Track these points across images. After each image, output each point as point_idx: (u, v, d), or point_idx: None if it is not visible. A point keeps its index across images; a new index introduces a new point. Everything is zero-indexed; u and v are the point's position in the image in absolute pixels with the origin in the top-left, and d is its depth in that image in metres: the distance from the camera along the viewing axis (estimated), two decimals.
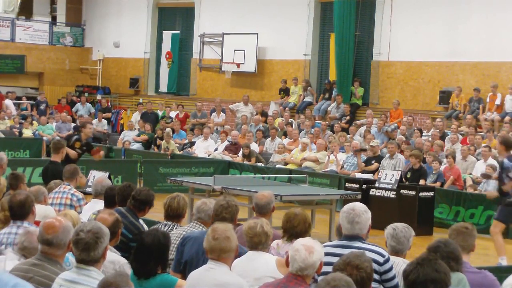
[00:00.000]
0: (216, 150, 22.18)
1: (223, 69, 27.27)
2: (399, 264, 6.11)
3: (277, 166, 20.10)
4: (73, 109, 28.47)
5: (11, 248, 6.27)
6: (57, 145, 12.40)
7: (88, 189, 11.05)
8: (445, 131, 20.19)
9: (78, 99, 29.52)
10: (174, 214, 7.64)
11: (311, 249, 5.20)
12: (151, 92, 30.37)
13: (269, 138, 22.39)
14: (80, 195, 9.66)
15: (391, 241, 6.32)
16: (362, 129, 21.47)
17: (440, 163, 17.54)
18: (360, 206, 6.07)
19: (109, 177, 10.45)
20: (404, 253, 6.38)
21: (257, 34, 26.06)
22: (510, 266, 11.29)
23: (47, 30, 31.96)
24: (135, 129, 25.20)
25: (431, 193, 15.66)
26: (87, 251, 5.06)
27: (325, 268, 5.80)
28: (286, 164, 20.29)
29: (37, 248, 5.84)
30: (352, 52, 24.07)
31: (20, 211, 6.78)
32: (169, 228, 7.52)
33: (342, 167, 19.09)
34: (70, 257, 5.70)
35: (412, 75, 23.22)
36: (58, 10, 32.67)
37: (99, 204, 8.66)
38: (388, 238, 6.36)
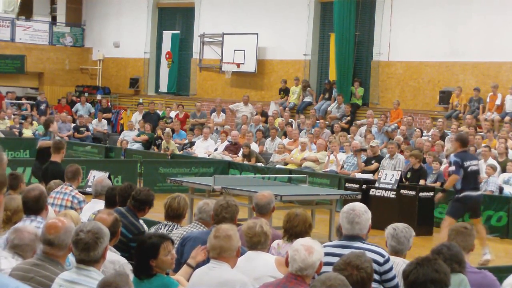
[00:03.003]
0: (216, 150, 22.18)
1: (223, 69, 27.27)
2: (399, 264, 6.11)
3: (277, 166, 20.10)
4: (73, 109, 28.47)
5: (3, 246, 6.26)
6: (57, 145, 12.41)
7: (88, 189, 11.04)
8: (445, 131, 20.19)
9: (78, 99, 29.52)
10: (174, 215, 7.64)
11: (310, 249, 5.20)
12: (151, 92, 30.37)
13: (269, 138, 22.39)
14: (82, 197, 9.66)
15: (392, 241, 6.33)
16: (363, 129, 21.48)
17: (441, 163, 17.54)
18: (360, 206, 6.07)
19: (109, 177, 10.43)
20: (404, 253, 6.39)
21: (257, 34, 26.06)
22: (510, 266, 11.31)
23: (47, 30, 31.97)
24: (135, 129, 25.20)
25: (431, 193, 15.65)
26: (86, 251, 5.06)
27: (325, 268, 5.79)
28: (286, 164, 20.29)
29: (29, 245, 5.84)
30: (352, 52, 24.08)
31: (35, 206, 6.83)
32: (170, 228, 7.52)
33: (342, 167, 19.09)
34: (70, 257, 5.70)
35: (412, 75, 23.22)
36: (58, 10, 32.68)
37: (99, 204, 8.66)
38: (388, 238, 6.36)
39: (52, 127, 15.02)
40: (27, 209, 6.86)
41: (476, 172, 12.76)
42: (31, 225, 6.32)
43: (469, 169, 12.58)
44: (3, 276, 2.47)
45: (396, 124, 21.45)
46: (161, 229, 7.55)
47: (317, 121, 22.93)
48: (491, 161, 17.17)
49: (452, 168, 12.54)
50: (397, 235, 6.31)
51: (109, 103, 29.48)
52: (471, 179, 12.62)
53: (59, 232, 5.40)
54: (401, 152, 18.60)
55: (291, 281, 5.18)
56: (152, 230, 7.61)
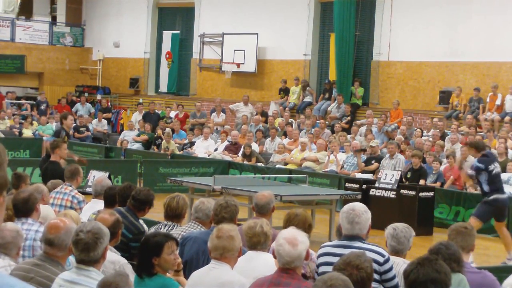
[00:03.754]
0: (216, 150, 22.18)
1: (223, 69, 27.27)
2: (399, 264, 6.11)
3: (277, 166, 20.10)
4: (73, 109, 28.45)
5: None
6: (52, 145, 12.43)
7: (88, 189, 11.05)
8: (445, 131, 20.19)
9: (78, 99, 29.53)
10: (173, 214, 7.64)
11: (294, 242, 5.19)
12: (151, 92, 30.37)
13: (269, 138, 22.38)
14: (81, 197, 9.66)
15: (391, 241, 6.32)
16: (363, 129, 21.48)
17: (441, 163, 17.55)
18: (360, 206, 6.06)
19: (109, 177, 10.44)
20: (404, 253, 6.38)
21: (257, 34, 26.06)
22: (510, 266, 11.31)
23: (47, 30, 31.97)
24: (135, 129, 25.20)
25: (431, 193, 15.66)
26: (86, 252, 5.06)
27: (326, 268, 5.80)
28: (286, 164, 20.29)
29: (12, 242, 5.84)
30: (352, 52, 24.07)
31: (24, 208, 6.82)
32: (169, 228, 7.51)
33: (342, 167, 19.09)
34: (70, 257, 5.70)
35: (412, 75, 23.22)
36: (58, 10, 32.68)
37: (99, 204, 8.66)
38: (388, 238, 6.35)
39: (65, 123, 14.84)
40: (17, 211, 6.85)
41: (499, 175, 12.78)
42: (12, 223, 6.30)
43: (493, 172, 12.61)
44: (10, 278, 2.46)
45: (396, 124, 21.45)
46: (161, 229, 7.55)
47: (317, 121, 22.93)
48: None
49: (472, 172, 12.65)
50: (397, 235, 6.31)
51: (109, 103, 29.48)
52: (497, 182, 12.67)
53: (60, 232, 5.40)
54: (401, 152, 18.60)
55: (282, 275, 5.17)
56: (152, 230, 7.62)
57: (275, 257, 5.26)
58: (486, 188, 12.62)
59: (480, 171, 12.64)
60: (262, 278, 5.36)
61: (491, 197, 12.63)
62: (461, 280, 5.70)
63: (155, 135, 24.00)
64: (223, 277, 5.54)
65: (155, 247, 5.53)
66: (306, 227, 6.80)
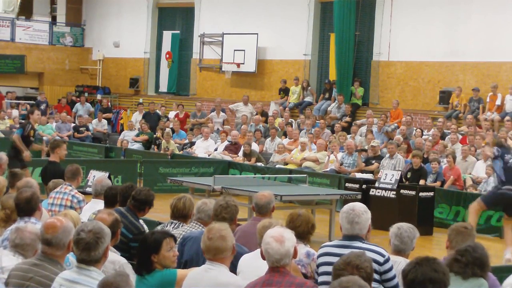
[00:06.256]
0: (216, 150, 22.18)
1: (223, 69, 27.27)
2: (400, 264, 6.10)
3: (277, 166, 20.10)
4: (73, 109, 28.45)
5: (4, 245, 6.27)
6: (52, 145, 12.44)
7: (88, 189, 11.05)
8: (444, 131, 20.19)
9: (78, 99, 29.52)
10: (180, 215, 7.66)
11: (281, 239, 5.20)
12: (151, 92, 30.38)
13: (269, 138, 22.38)
14: (81, 197, 9.67)
15: (395, 240, 6.31)
16: (363, 129, 21.49)
17: (439, 162, 17.54)
18: (360, 206, 6.06)
19: (109, 177, 10.44)
20: (407, 253, 6.36)
21: (257, 34, 26.06)
22: (510, 266, 11.31)
23: (47, 30, 31.97)
24: (135, 129, 25.20)
25: (431, 193, 15.66)
26: (87, 251, 5.06)
27: (326, 268, 5.81)
28: (286, 164, 20.29)
29: (30, 245, 5.85)
30: (352, 52, 24.08)
31: (26, 208, 6.84)
32: (175, 226, 7.54)
33: (341, 164, 19.03)
34: (70, 257, 5.70)
35: (412, 75, 23.23)
36: (58, 10, 32.68)
37: (99, 204, 8.67)
38: (392, 236, 6.35)
39: (32, 117, 15.09)
40: (20, 211, 6.87)
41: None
42: (32, 225, 6.32)
43: (508, 164, 12.56)
44: None
45: (396, 124, 21.45)
46: (167, 226, 7.59)
47: (317, 121, 22.93)
48: (491, 161, 17.14)
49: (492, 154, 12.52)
50: (401, 235, 6.30)
51: (109, 103, 29.48)
52: (510, 173, 12.58)
53: (57, 231, 5.39)
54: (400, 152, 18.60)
55: (274, 275, 5.17)
56: (159, 228, 7.65)
57: (263, 257, 5.25)
58: (503, 177, 12.55)
59: (496, 157, 12.57)
60: (254, 280, 5.34)
61: (505, 187, 12.58)
62: (480, 285, 5.58)
63: (154, 135, 24.00)
64: (220, 279, 5.53)
65: (153, 244, 5.57)
66: (309, 227, 6.81)
